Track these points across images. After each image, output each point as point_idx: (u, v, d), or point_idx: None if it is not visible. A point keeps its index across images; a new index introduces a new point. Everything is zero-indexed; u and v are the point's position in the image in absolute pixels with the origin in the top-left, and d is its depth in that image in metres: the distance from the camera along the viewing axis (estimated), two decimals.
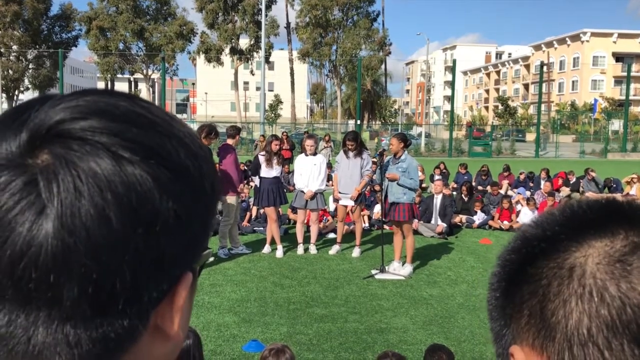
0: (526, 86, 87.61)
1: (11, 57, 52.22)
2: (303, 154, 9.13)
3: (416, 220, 10.35)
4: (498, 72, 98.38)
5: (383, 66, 65.56)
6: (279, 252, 8.72)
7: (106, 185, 0.42)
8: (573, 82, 78.78)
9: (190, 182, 0.47)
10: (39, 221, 0.40)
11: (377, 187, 8.91)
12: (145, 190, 0.43)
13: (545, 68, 51.46)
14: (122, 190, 0.42)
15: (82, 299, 0.42)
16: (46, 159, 0.42)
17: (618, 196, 0.51)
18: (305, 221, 9.35)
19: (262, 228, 10.54)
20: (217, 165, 8.85)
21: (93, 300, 0.42)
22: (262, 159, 8.98)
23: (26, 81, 54.10)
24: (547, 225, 0.54)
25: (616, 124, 48.03)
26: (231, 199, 8.59)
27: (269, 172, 8.86)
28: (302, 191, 8.95)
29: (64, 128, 0.43)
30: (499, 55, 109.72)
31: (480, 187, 15.13)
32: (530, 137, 49.09)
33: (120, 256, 0.42)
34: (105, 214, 0.41)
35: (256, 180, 9.47)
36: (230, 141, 8.85)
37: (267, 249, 8.94)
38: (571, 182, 16.63)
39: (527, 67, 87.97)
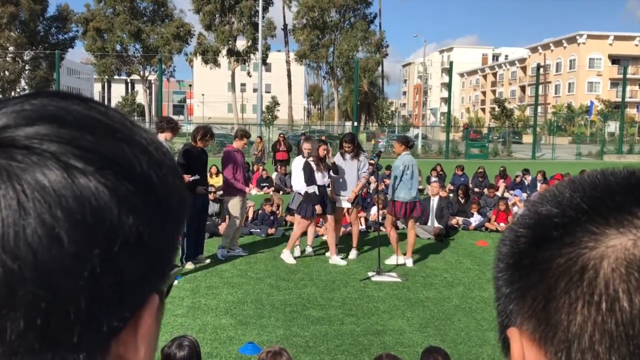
0: (523, 88, 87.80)
1: (7, 58, 52.18)
2: (300, 156, 9.12)
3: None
4: (495, 74, 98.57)
5: (380, 68, 65.67)
6: (336, 260, 8.49)
7: (56, 200, 0.37)
8: (569, 84, 78.99)
9: (154, 195, 0.43)
10: None
11: (382, 186, 9.27)
12: (102, 205, 0.39)
13: (541, 70, 51.62)
14: (75, 205, 0.37)
15: (29, 332, 0.37)
16: None
17: None
18: None
19: (258, 230, 10.54)
20: (222, 169, 8.81)
21: (43, 332, 0.37)
22: (314, 165, 8.63)
23: (22, 82, 54.09)
24: (564, 206, 0.48)
25: (612, 126, 48.13)
26: (234, 201, 8.57)
27: (322, 179, 8.69)
28: (300, 193, 8.92)
29: (6, 136, 0.39)
30: (495, 57, 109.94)
31: (476, 189, 15.15)
32: (527, 139, 49.17)
33: (73, 282, 0.37)
34: (55, 234, 0.37)
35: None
36: (235, 144, 8.80)
37: (338, 259, 8.60)
38: None
39: (524, 69, 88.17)
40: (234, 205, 8.63)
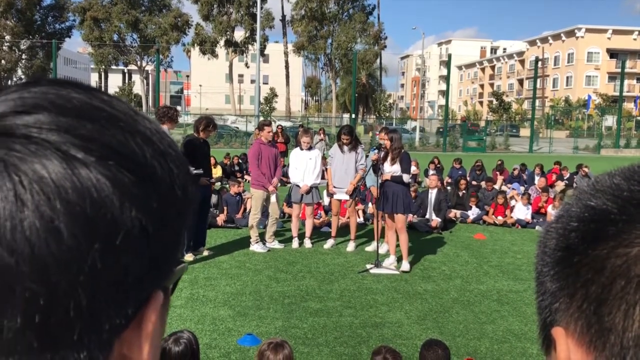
0: (521, 81, 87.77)
1: (4, 48, 51.90)
2: (298, 148, 9.12)
3: (411, 215, 10.40)
4: (493, 67, 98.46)
5: (378, 60, 65.51)
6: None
7: (55, 191, 0.36)
8: (567, 77, 78.96)
9: (158, 187, 0.41)
10: None
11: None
12: (103, 197, 0.37)
13: (539, 63, 51.55)
14: (75, 197, 0.36)
15: (27, 330, 0.35)
16: None
17: None
18: (301, 215, 9.35)
19: None
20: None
21: (41, 330, 0.35)
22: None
23: (19, 72, 53.81)
24: (623, 200, 0.44)
25: (610, 120, 48.23)
26: (257, 194, 8.54)
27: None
28: (297, 185, 8.95)
29: (5, 124, 0.37)
30: (494, 50, 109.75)
31: (474, 182, 15.15)
32: (524, 132, 49.22)
33: (73, 277, 0.36)
34: (53, 227, 0.35)
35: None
36: (260, 136, 8.72)
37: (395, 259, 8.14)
38: (565, 177, 16.69)
39: (522, 62, 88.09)
40: (255, 198, 8.61)
